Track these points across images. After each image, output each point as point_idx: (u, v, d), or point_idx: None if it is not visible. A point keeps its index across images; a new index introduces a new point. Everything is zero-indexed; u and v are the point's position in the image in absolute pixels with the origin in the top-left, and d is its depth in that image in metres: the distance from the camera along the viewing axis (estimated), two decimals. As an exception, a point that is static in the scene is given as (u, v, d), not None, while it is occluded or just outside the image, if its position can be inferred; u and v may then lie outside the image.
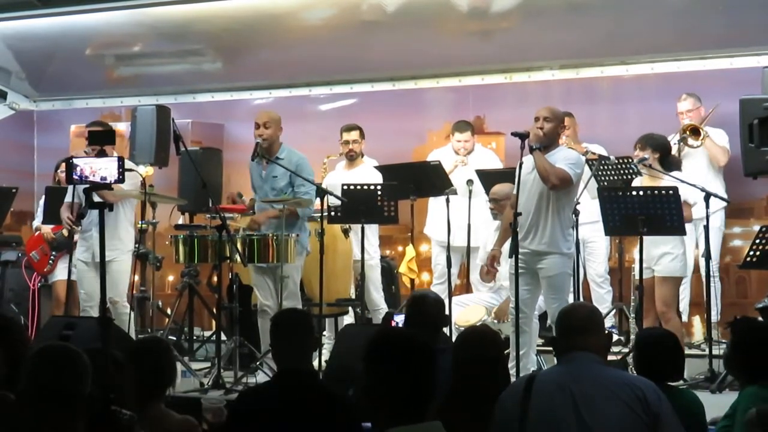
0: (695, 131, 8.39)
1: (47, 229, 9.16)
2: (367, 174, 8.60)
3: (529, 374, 4.07)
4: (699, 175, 8.06)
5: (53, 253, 9.19)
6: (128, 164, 8.25)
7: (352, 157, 8.89)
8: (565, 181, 6.91)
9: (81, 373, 3.38)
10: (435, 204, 8.92)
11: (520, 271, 6.81)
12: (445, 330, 7.55)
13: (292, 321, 4.26)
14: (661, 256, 7.46)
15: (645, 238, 7.25)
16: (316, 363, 7.72)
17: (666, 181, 7.44)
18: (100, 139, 5.35)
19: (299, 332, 4.16)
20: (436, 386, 2.90)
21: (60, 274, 9.01)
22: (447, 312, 5.93)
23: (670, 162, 7.73)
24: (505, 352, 7.51)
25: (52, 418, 3.30)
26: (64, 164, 8.75)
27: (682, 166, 8.13)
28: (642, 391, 3.76)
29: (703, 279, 7.79)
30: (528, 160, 7.06)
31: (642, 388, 3.79)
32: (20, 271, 9.54)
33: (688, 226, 7.39)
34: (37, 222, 9.39)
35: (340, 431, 3.95)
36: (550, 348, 7.26)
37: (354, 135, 8.89)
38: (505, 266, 7.96)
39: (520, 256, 6.81)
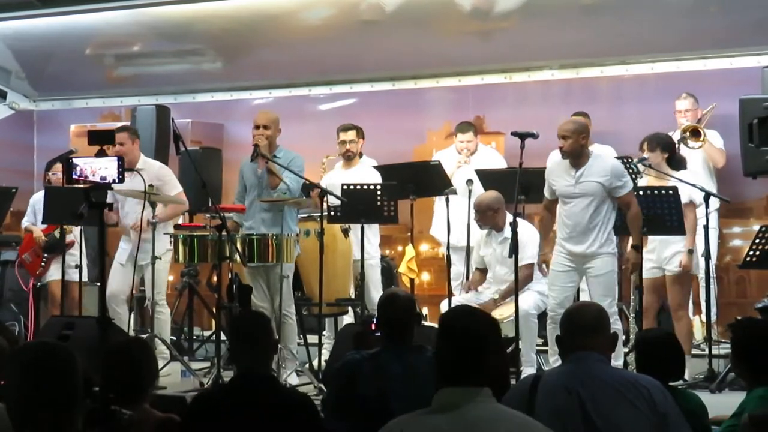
0: (696, 132, 8.35)
1: (38, 232, 9.10)
2: (365, 173, 8.59)
3: (534, 374, 4.05)
4: (694, 176, 8.06)
5: (45, 255, 9.11)
6: (146, 162, 8.35)
7: (349, 157, 8.87)
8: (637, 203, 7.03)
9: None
10: (440, 204, 8.88)
11: (566, 269, 7.00)
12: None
13: (253, 324, 4.24)
14: (674, 255, 7.47)
15: (655, 238, 7.24)
16: (316, 363, 7.74)
17: (670, 181, 7.42)
18: (100, 139, 5.34)
19: (260, 336, 4.13)
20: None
21: (54, 274, 8.96)
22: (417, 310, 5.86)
23: (677, 161, 7.71)
24: (508, 350, 7.59)
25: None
26: (56, 165, 8.74)
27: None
28: (648, 391, 3.75)
29: (701, 279, 7.79)
30: (558, 167, 7.07)
31: (648, 387, 3.78)
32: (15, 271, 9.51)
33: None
34: (26, 222, 9.29)
35: None
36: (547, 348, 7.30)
37: (351, 135, 8.87)
38: (502, 269, 7.95)
39: (567, 257, 6.99)
